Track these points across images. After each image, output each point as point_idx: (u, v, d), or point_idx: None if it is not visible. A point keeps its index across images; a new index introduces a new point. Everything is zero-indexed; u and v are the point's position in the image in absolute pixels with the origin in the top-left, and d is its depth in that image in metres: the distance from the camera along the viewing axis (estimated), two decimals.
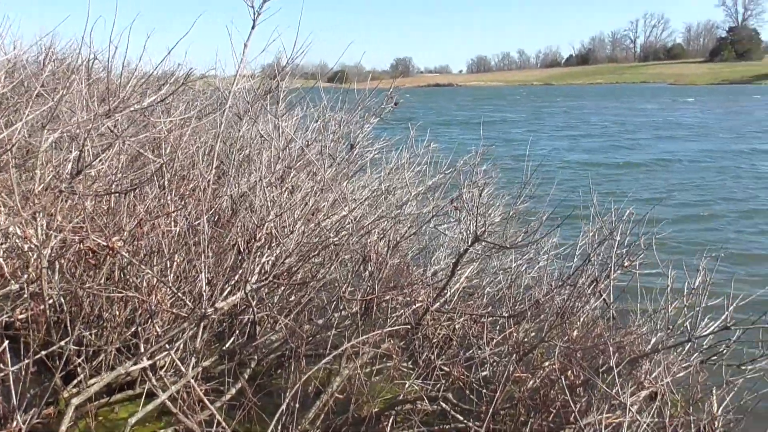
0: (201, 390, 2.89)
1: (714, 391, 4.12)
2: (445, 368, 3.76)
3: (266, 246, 2.70)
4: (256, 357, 3.45)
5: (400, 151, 4.85)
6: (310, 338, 3.59)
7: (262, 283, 2.81)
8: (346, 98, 4.55)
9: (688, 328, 4.05)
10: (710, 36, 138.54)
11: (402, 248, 4.13)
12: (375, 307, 3.57)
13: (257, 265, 2.69)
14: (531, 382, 3.86)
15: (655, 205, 9.55)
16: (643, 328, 4.36)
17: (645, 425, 2.85)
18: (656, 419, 3.63)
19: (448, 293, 4.00)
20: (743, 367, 4.04)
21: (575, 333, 4.34)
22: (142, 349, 2.70)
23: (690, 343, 4.07)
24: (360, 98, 4.45)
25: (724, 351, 4.02)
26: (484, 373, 3.96)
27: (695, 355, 4.13)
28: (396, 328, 3.43)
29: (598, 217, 4.61)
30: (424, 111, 45.10)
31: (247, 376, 3.36)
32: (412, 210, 4.28)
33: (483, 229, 3.57)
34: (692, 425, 3.98)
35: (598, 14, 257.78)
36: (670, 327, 4.17)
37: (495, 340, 4.18)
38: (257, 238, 2.59)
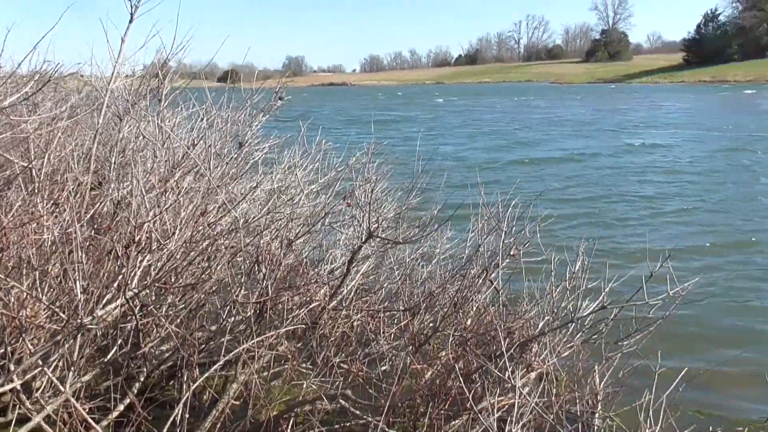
0: (84, 409, 2.70)
1: (596, 368, 4.42)
2: (344, 366, 3.76)
3: (147, 250, 2.57)
4: (145, 369, 3.28)
5: (292, 149, 4.79)
6: (203, 345, 3.46)
7: (144, 289, 2.67)
8: (233, 96, 4.43)
9: (571, 310, 4.32)
10: (586, 38, 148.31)
11: (297, 248, 4.09)
12: (270, 310, 3.50)
13: (138, 269, 2.56)
14: (428, 373, 3.94)
15: (538, 195, 10.11)
16: (531, 312, 4.58)
17: (533, 404, 2.98)
18: (544, 398, 3.83)
19: (345, 291, 4.00)
20: (620, 344, 4.36)
21: (469, 322, 4.49)
22: (12, 369, 2.48)
23: (573, 325, 4.34)
24: (248, 95, 4.35)
25: (603, 329, 4.31)
26: (384, 368, 4.00)
27: (578, 335, 4.40)
28: (292, 327, 3.38)
29: (487, 209, 4.79)
30: (318, 110, 44.97)
31: (136, 390, 3.19)
32: (305, 209, 4.24)
33: (376, 225, 3.60)
34: (577, 401, 4.24)
35: (485, 15, 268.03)
36: (555, 310, 4.42)
37: (393, 334, 4.24)
38: (136, 242, 2.45)
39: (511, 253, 4.76)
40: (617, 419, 3.96)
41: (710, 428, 4.19)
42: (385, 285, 4.77)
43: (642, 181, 14.07)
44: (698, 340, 5.81)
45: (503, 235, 4.48)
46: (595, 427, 3.71)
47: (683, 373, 3.98)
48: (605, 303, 4.04)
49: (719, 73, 74.10)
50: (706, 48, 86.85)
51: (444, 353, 4.12)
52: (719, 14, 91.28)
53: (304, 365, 3.73)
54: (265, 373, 3.38)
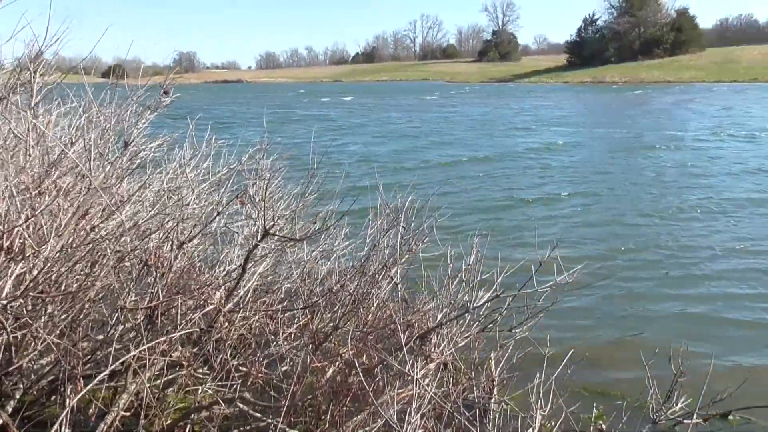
0: None
1: (492, 355, 4.60)
2: (243, 368, 3.67)
3: (20, 257, 2.37)
4: (21, 385, 3.04)
5: (183, 148, 4.61)
6: (89, 356, 3.25)
7: (16, 299, 2.46)
8: (116, 92, 4.19)
9: (467, 301, 4.47)
10: (478, 38, 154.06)
11: (189, 250, 3.93)
12: (162, 315, 3.35)
13: (10, 279, 2.35)
14: (330, 371, 3.93)
15: (435, 191, 10.34)
16: (429, 305, 4.70)
17: (431, 394, 3.05)
18: (443, 388, 3.94)
19: (242, 292, 3.90)
20: (514, 331, 4.57)
21: (369, 317, 4.53)
22: None
23: (470, 315, 4.49)
24: (133, 91, 4.13)
25: (498, 318, 4.50)
26: (284, 368, 3.95)
27: (475, 324, 4.56)
28: (185, 332, 3.25)
29: (386, 205, 4.85)
30: (215, 107, 43.67)
31: (11, 409, 2.94)
32: (197, 209, 4.09)
33: (272, 223, 3.54)
34: (474, 388, 4.39)
35: (381, 14, 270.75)
36: (452, 302, 4.56)
37: (293, 334, 4.19)
38: (5, 248, 2.25)
39: (411, 248, 4.86)
40: (511, 403, 4.15)
41: (594, 404, 4.49)
42: (284, 284, 4.71)
43: (543, 176, 14.76)
44: (584, 323, 6.19)
45: (401, 230, 4.57)
46: (491, 412, 3.85)
47: (569, 354, 4.23)
48: (498, 293, 4.21)
49: (599, 74, 79.30)
50: (587, 50, 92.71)
51: (344, 350, 4.12)
52: (597, 19, 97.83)
53: (200, 370, 3.61)
54: (158, 381, 3.23)
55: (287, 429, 3.02)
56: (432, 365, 3.90)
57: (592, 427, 4.13)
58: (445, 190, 12.85)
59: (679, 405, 4.18)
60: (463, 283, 4.57)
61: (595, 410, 4.36)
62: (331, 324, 4.31)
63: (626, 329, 5.99)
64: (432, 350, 4.09)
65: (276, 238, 3.89)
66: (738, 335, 5.96)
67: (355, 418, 3.33)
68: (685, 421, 4.02)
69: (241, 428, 3.32)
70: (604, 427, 4.16)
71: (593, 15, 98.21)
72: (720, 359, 5.37)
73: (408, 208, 4.74)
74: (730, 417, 4.49)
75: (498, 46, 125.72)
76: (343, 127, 29.00)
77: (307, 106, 47.24)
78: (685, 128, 25.03)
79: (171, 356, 3.37)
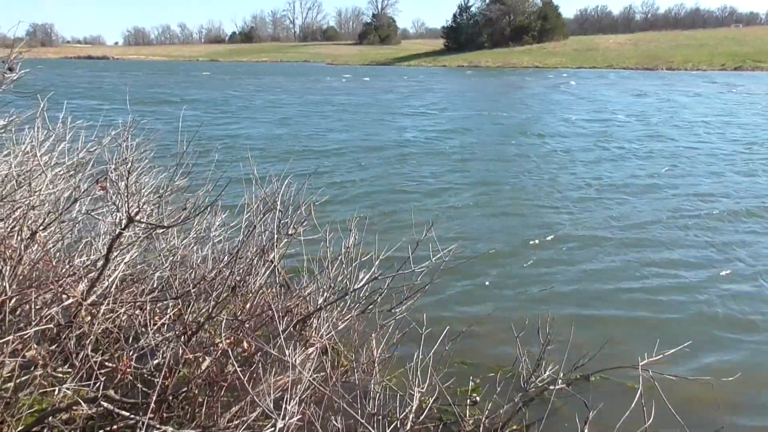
0: None
1: (373, 336, 4.66)
2: (109, 364, 3.43)
3: None
4: None
5: (36, 129, 4.19)
6: None
7: None
8: None
9: (347, 283, 4.48)
10: (358, 21, 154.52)
11: (44, 239, 3.60)
12: (12, 312, 3.04)
13: None
14: (205, 362, 3.79)
15: (312, 173, 10.24)
16: (309, 289, 4.66)
17: (308, 379, 3.03)
18: (323, 373, 3.94)
19: (107, 283, 3.64)
20: (393, 311, 4.65)
21: (247, 305, 4.41)
22: None
23: (349, 297, 4.52)
24: None
25: (378, 299, 4.56)
26: (156, 362, 3.75)
27: (355, 307, 4.59)
28: (40, 328, 2.98)
29: (262, 188, 4.72)
30: (69, 85, 40.43)
31: None
32: (52, 195, 3.75)
33: (137, 209, 3.32)
34: (355, 370, 4.43)
35: None
36: (332, 285, 4.55)
37: (166, 325, 3.99)
38: None
39: (289, 232, 4.78)
40: (391, 383, 4.23)
41: (471, 377, 4.69)
42: (155, 274, 4.46)
43: (420, 163, 15.04)
44: (461, 301, 6.43)
45: (277, 214, 4.47)
46: (371, 392, 3.90)
47: (445, 332, 4.38)
48: (377, 275, 4.26)
49: (474, 59, 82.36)
50: (462, 36, 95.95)
51: (220, 340, 3.99)
52: (471, 6, 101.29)
53: (59, 369, 3.33)
54: (9, 384, 2.94)
55: (157, 426, 2.87)
56: (311, 350, 3.87)
57: (468, 400, 4.30)
58: (328, 176, 12.78)
59: (547, 372, 4.47)
60: (343, 266, 4.58)
61: (471, 383, 4.54)
62: (205, 313, 4.15)
63: (500, 305, 6.30)
64: (311, 335, 4.06)
65: (142, 225, 3.66)
66: (600, 304, 6.46)
67: (232, 409, 3.23)
68: (551, 387, 4.29)
69: (108, 428, 3.11)
70: (478, 399, 4.35)
71: (467, 2, 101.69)
72: (583, 328, 5.79)
73: (285, 191, 4.65)
74: (592, 378, 4.85)
75: (378, 30, 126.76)
76: (228, 110, 27.97)
77: (178, 86, 44.99)
78: (568, 112, 26.53)
79: (24, 356, 3.08)
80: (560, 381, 4.24)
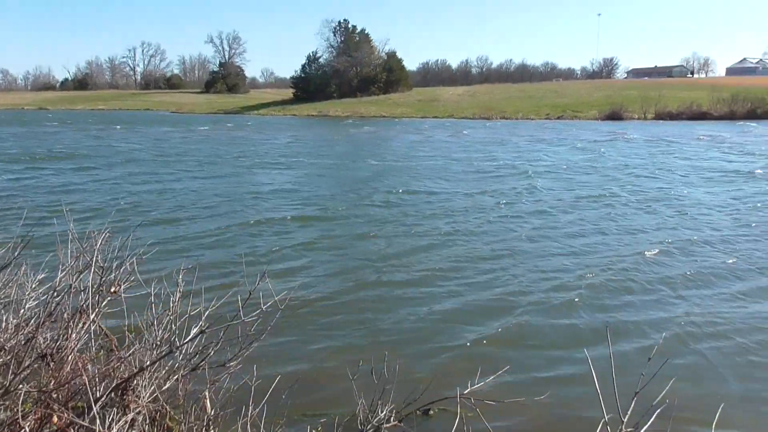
0: None
1: (206, 393, 4.46)
2: None
3: None
4: None
5: None
6: None
7: None
8: None
9: (175, 340, 4.27)
10: (204, 69, 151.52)
11: None
12: None
13: None
14: None
15: (137, 226, 9.78)
16: (133, 349, 4.37)
17: None
18: None
19: None
20: (227, 365, 4.49)
21: (61, 372, 4.05)
22: None
23: (179, 354, 4.30)
24: None
25: (211, 353, 4.38)
26: None
27: (186, 363, 4.37)
28: None
29: (80, 243, 4.43)
30: None
31: None
32: None
33: None
34: (186, 430, 4.20)
35: (93, 38, 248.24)
36: (159, 342, 4.31)
37: None
38: None
39: (112, 290, 4.49)
40: None
41: (309, 426, 4.64)
42: None
43: (250, 206, 14.87)
44: (298, 346, 6.39)
45: (93, 270, 4.19)
46: None
47: (276, 381, 4.31)
48: (204, 328, 4.10)
49: (323, 108, 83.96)
50: (311, 86, 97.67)
51: (32, 413, 3.62)
52: (320, 57, 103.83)
53: None
54: None
55: None
56: (130, 416, 3.61)
57: None
58: (158, 228, 12.21)
59: (384, 412, 4.54)
60: (171, 322, 4.37)
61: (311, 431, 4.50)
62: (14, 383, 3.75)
63: (337, 346, 6.35)
64: (132, 399, 3.80)
65: None
66: (435, 338, 6.75)
67: None
68: (385, 425, 4.37)
69: None
70: None
71: (316, 52, 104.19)
72: (421, 363, 5.99)
73: (104, 245, 4.39)
74: (430, 412, 5.01)
75: (225, 78, 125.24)
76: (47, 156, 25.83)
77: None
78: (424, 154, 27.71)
79: None
80: (393, 418, 4.33)
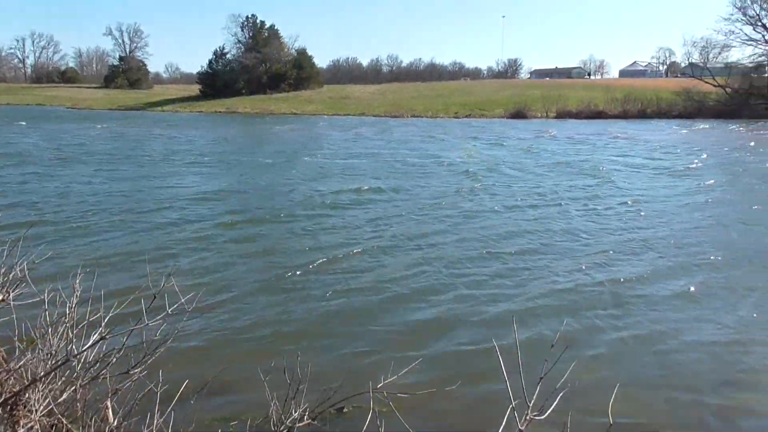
0: None
1: (108, 402, 4.23)
2: None
3: None
4: None
5: None
6: None
7: None
8: None
9: (73, 348, 4.02)
10: (102, 63, 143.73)
11: None
12: None
13: None
14: None
15: (26, 232, 9.21)
16: (24, 360, 4.09)
17: None
18: None
19: None
20: (131, 372, 4.28)
21: None
22: None
23: (77, 364, 4.05)
24: None
25: (114, 360, 4.16)
26: None
27: (85, 372, 4.13)
28: None
29: None
30: None
31: None
32: None
33: None
34: None
35: None
36: (54, 352, 4.05)
37: None
38: None
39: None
40: None
41: (220, 430, 4.51)
42: None
43: (159, 209, 14.32)
44: (206, 349, 6.21)
45: None
46: None
47: (183, 387, 4.16)
48: (104, 334, 3.89)
49: (232, 105, 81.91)
50: (219, 82, 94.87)
51: None
52: (227, 52, 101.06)
53: None
54: None
55: None
56: (21, 431, 3.37)
57: None
58: (54, 230, 11.49)
59: (297, 412, 4.49)
60: (68, 330, 4.11)
61: None
62: None
63: (247, 348, 6.22)
64: (22, 414, 3.55)
65: None
66: (348, 335, 6.75)
67: None
68: (299, 425, 4.32)
69: None
70: None
71: (223, 48, 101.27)
72: (334, 359, 5.97)
73: None
74: (344, 409, 5.01)
75: (126, 73, 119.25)
76: None
77: None
78: (327, 152, 27.49)
79: None
80: (306, 417, 4.29)
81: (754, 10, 64.40)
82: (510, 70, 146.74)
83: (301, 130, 46.54)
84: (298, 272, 9.02)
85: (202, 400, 4.55)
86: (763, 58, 64.78)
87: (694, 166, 23.31)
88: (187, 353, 5.97)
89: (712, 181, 19.14)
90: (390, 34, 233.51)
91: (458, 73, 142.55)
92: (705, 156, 26.50)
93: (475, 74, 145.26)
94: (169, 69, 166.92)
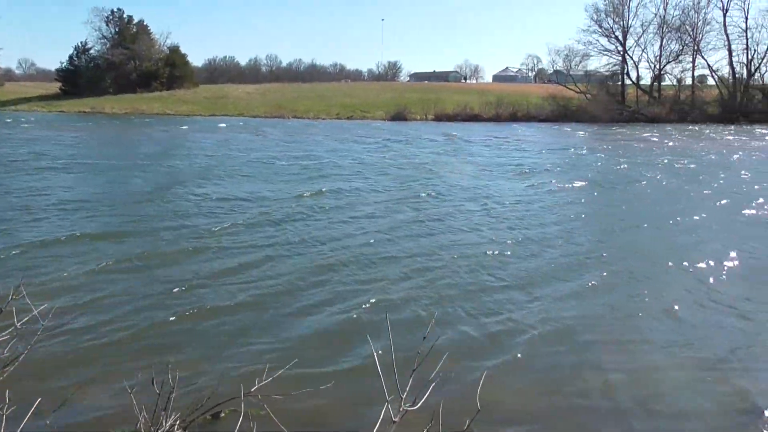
0: None
1: None
2: None
3: None
4: None
5: None
6: None
7: None
8: None
9: None
10: None
11: None
12: None
13: None
14: None
15: None
16: None
17: None
18: None
19: None
20: None
21: None
22: None
23: None
24: None
25: None
26: None
27: None
28: None
29: None
30: None
31: None
32: None
33: None
34: None
35: None
36: None
37: None
38: None
39: None
40: None
41: None
42: None
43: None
44: (63, 361, 5.79)
45: None
46: None
47: (37, 403, 3.85)
48: None
49: (98, 105, 76.68)
50: (82, 79, 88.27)
51: None
52: (90, 48, 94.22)
53: None
54: None
55: None
56: None
57: None
58: None
59: (168, 421, 4.30)
60: None
61: None
62: None
63: (110, 359, 5.88)
64: None
65: None
66: (227, 342, 6.57)
67: None
68: None
69: None
70: None
71: (85, 43, 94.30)
72: (207, 365, 5.79)
73: None
74: (221, 414, 4.87)
75: None
76: None
77: None
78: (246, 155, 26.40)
79: None
80: (177, 427, 4.12)
81: (608, 23, 70.75)
82: (390, 72, 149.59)
83: (169, 131, 44.58)
84: (168, 284, 8.62)
85: (60, 418, 4.24)
86: (617, 67, 71.31)
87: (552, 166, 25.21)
88: (41, 369, 5.51)
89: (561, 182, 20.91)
90: (268, 33, 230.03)
91: (339, 74, 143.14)
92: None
93: (356, 76, 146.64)
94: (24, 65, 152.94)
